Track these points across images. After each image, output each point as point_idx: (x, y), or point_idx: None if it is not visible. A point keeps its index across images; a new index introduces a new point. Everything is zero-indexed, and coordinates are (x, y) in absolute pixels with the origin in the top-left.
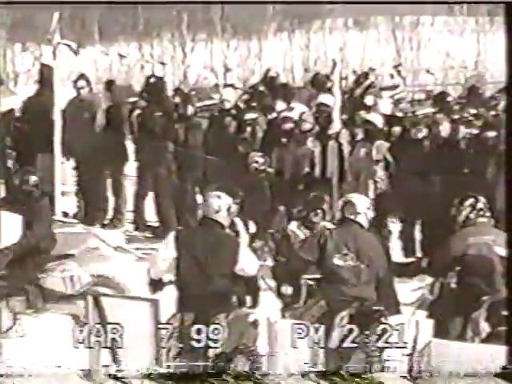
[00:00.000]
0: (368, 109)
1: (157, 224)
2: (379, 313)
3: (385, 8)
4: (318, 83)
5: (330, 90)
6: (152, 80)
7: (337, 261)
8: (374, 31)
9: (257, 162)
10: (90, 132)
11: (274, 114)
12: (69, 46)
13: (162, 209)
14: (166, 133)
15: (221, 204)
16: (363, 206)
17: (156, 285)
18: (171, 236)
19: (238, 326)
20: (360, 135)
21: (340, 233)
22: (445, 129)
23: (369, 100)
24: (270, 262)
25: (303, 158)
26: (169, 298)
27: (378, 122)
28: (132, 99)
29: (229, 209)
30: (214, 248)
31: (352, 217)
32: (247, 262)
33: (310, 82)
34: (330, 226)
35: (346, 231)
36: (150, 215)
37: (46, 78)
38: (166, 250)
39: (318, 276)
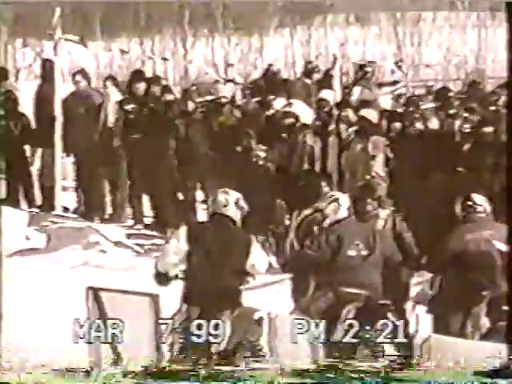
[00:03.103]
0: (363, 104)
1: (156, 220)
2: (385, 307)
3: (386, 3)
4: (311, 72)
5: (330, 86)
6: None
7: (351, 252)
8: (375, 27)
9: (259, 156)
10: (89, 127)
11: (272, 110)
12: (76, 41)
13: (161, 204)
14: (166, 128)
15: (228, 198)
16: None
17: (162, 279)
18: (183, 230)
19: (243, 324)
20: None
21: (350, 226)
22: (444, 124)
23: (364, 95)
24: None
25: (303, 154)
26: (174, 293)
27: (373, 117)
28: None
29: (237, 202)
30: (226, 243)
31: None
32: (258, 259)
33: (303, 73)
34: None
35: (354, 224)
36: (150, 211)
37: (47, 72)
38: (178, 244)
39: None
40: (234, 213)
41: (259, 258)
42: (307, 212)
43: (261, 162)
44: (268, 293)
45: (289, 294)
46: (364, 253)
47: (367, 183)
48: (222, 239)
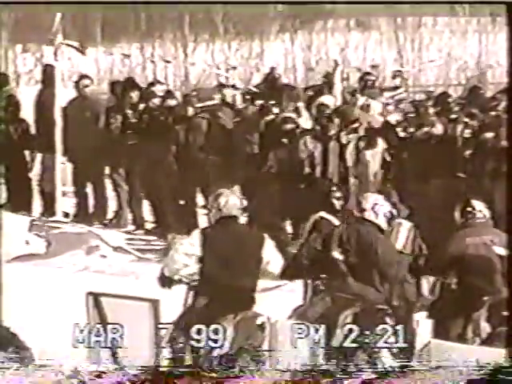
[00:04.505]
0: (364, 109)
1: (157, 225)
2: (383, 312)
3: (387, 9)
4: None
5: (330, 91)
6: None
7: (337, 255)
8: (375, 32)
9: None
10: (91, 131)
11: (272, 116)
12: (75, 47)
13: (162, 210)
14: (167, 134)
15: (237, 202)
16: (370, 203)
17: (166, 282)
18: (196, 234)
19: (245, 328)
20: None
21: (345, 229)
22: (445, 129)
23: (363, 100)
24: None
25: (303, 159)
26: (175, 299)
27: (373, 122)
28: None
29: (241, 202)
30: (240, 244)
31: (359, 215)
32: (273, 257)
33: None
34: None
35: (352, 228)
36: (151, 216)
37: (48, 78)
38: (188, 249)
39: (324, 276)
40: (237, 212)
41: (274, 255)
42: (315, 217)
43: (273, 170)
44: (268, 298)
45: (289, 299)
46: (352, 260)
47: (383, 189)
48: (236, 240)
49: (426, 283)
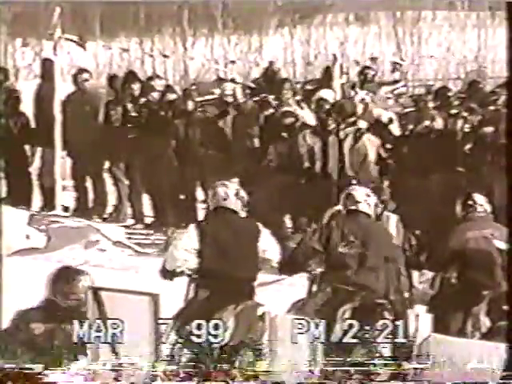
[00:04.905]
0: (362, 104)
1: (156, 219)
2: (382, 307)
3: (386, 3)
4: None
5: (329, 85)
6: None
7: (342, 249)
8: (374, 26)
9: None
10: (90, 125)
11: (271, 110)
12: (75, 41)
13: (162, 204)
14: (166, 128)
15: (227, 191)
16: (362, 195)
17: (168, 275)
18: (192, 228)
19: (246, 319)
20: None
21: (346, 222)
22: (444, 124)
23: (362, 94)
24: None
25: (303, 153)
26: (175, 293)
27: (372, 116)
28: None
29: (237, 194)
30: (236, 235)
31: (353, 207)
32: (270, 245)
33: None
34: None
35: (352, 221)
36: (150, 210)
37: (47, 72)
38: (187, 242)
39: (322, 269)
40: (235, 204)
41: (270, 244)
42: (332, 210)
43: (273, 164)
44: (268, 292)
45: (289, 293)
46: (358, 250)
47: (378, 186)
48: (231, 231)
49: (418, 275)
